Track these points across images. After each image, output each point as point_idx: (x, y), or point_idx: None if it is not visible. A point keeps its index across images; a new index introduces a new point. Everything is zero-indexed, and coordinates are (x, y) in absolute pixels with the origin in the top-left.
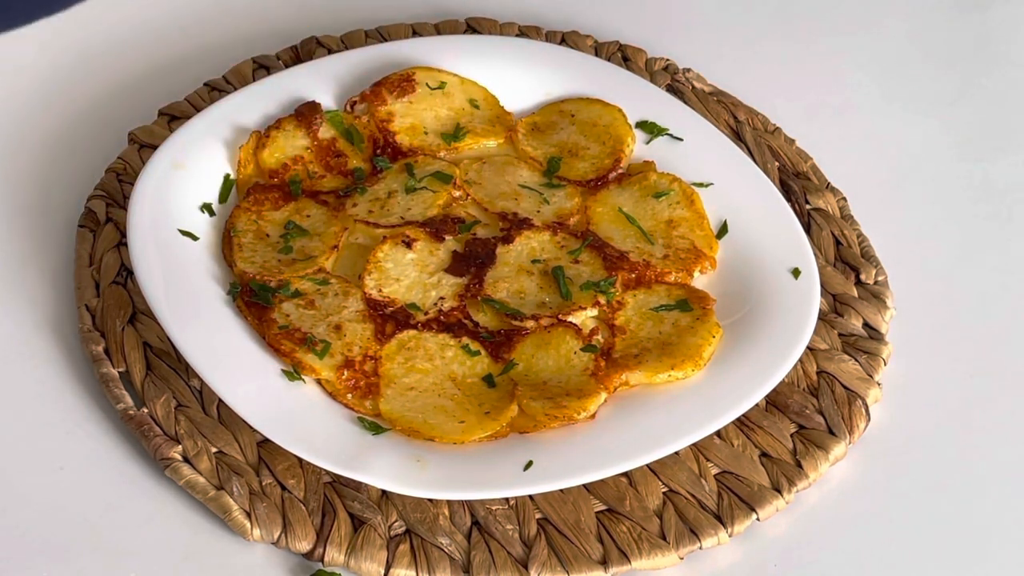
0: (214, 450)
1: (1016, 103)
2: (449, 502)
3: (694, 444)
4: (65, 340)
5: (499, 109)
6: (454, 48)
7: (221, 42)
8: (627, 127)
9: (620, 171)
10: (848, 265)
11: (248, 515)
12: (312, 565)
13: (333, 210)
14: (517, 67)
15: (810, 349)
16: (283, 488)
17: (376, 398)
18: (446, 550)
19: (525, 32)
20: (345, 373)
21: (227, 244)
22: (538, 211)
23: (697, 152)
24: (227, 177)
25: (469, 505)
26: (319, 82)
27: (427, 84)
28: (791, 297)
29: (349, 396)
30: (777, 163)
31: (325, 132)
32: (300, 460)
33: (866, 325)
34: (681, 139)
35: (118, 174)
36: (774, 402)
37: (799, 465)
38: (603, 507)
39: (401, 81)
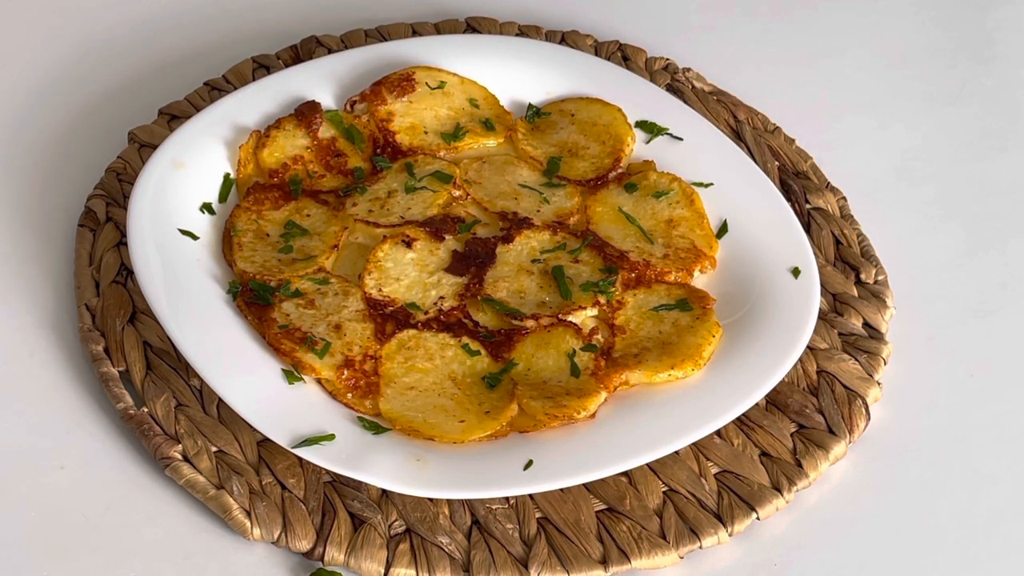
0: (214, 449)
1: (1016, 103)
2: (449, 501)
3: (694, 443)
4: (65, 339)
5: (499, 108)
6: (454, 48)
7: (221, 41)
8: (627, 126)
9: (620, 170)
10: (848, 264)
11: (248, 514)
12: (312, 564)
13: (333, 209)
14: (517, 66)
15: (810, 348)
16: (283, 487)
17: (376, 397)
18: (446, 549)
19: (525, 32)
20: (345, 372)
21: (227, 244)
22: (538, 210)
23: (697, 152)
24: (227, 176)
25: (469, 504)
26: (319, 81)
27: (427, 84)
28: (791, 296)
29: (349, 395)
30: (777, 162)
31: (325, 131)
32: (300, 459)
33: (866, 324)
34: (681, 139)
35: (118, 173)
36: (774, 401)
37: (799, 464)
38: (603, 506)
39: (401, 81)
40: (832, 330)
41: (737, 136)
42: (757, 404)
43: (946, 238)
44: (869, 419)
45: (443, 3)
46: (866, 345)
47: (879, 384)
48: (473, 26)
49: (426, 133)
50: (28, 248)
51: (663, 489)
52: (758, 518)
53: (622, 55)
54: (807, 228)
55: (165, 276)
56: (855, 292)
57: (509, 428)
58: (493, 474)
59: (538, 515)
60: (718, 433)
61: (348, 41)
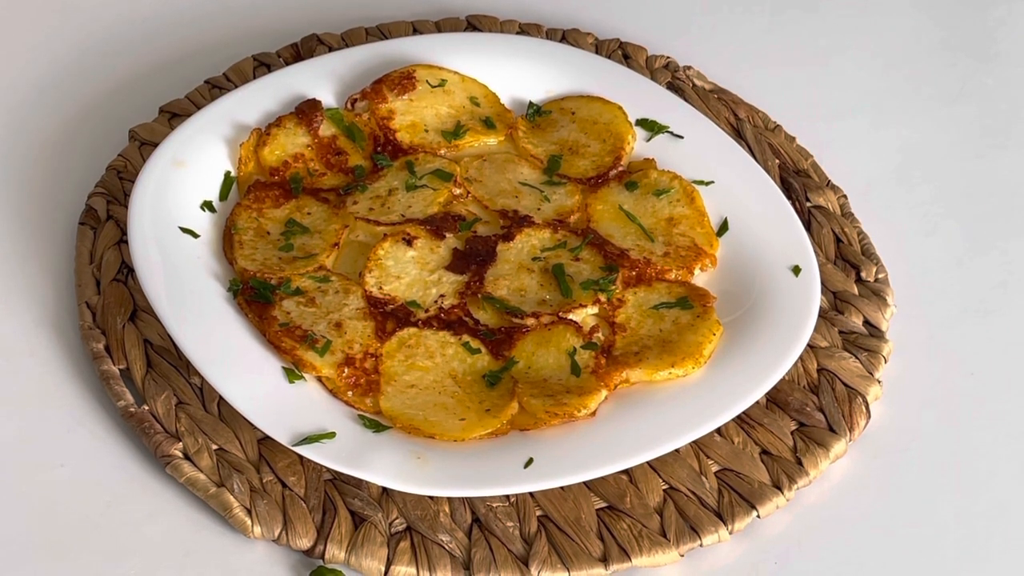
0: (215, 447)
1: (1016, 101)
2: (450, 499)
3: (695, 441)
4: (66, 337)
5: (499, 107)
6: (455, 46)
7: (222, 39)
8: (627, 125)
9: (620, 168)
10: (848, 263)
11: (249, 512)
12: (313, 562)
13: (334, 208)
14: (518, 65)
15: (810, 347)
16: (284, 485)
17: (376, 396)
18: (447, 547)
19: (526, 30)
20: (346, 371)
21: (228, 242)
22: (539, 209)
23: (698, 150)
24: (228, 175)
25: (470, 502)
26: (320, 79)
27: (428, 82)
28: (791, 295)
29: (349, 394)
30: (778, 160)
31: (326, 130)
32: (300, 457)
33: (866, 323)
34: (682, 137)
35: (119, 171)
36: (775, 399)
37: (799, 462)
38: (604, 504)
39: (402, 79)
40: (832, 328)
41: (737, 134)
42: (757, 402)
43: (946, 237)
44: (869, 417)
45: (444, 1)
46: (866, 343)
47: (879, 382)
48: (474, 24)
49: (427, 131)
50: (29, 246)
51: (663, 487)
52: (758, 516)
53: (623, 53)
54: (807, 226)
55: (166, 274)
56: (855, 290)
57: (509, 426)
58: (493, 472)
59: (539, 513)
60: (718, 431)
61: (349, 39)
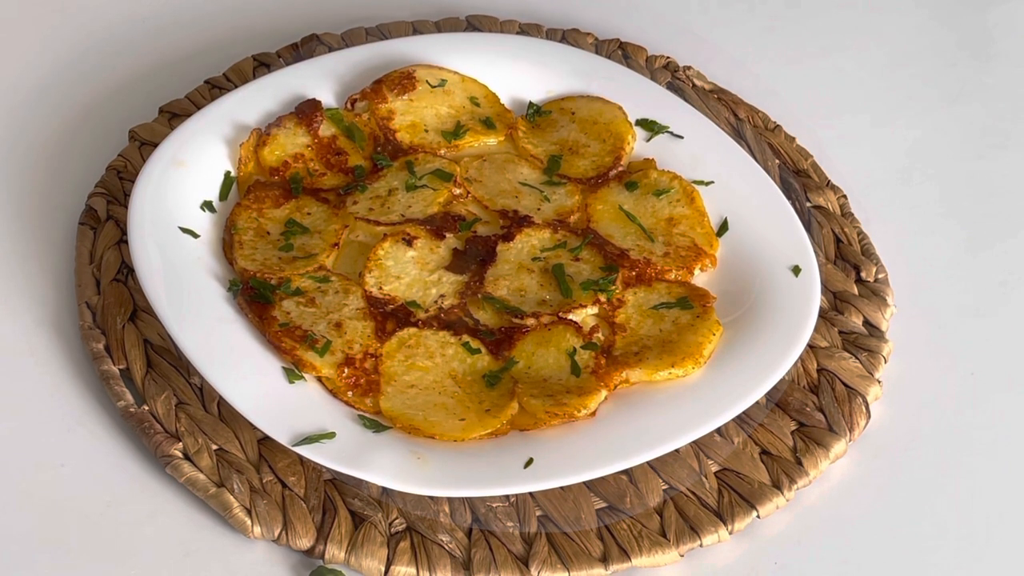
0: (215, 447)
1: (1016, 101)
2: (449, 499)
3: (695, 442)
4: (66, 337)
5: (499, 107)
6: (455, 46)
7: (222, 39)
8: (627, 125)
9: (620, 169)
10: (848, 263)
11: (249, 512)
12: (313, 562)
13: (334, 208)
14: (518, 64)
15: (810, 347)
16: (284, 485)
17: (376, 396)
18: (447, 547)
19: (526, 30)
20: (345, 371)
21: (228, 242)
22: (539, 209)
23: (697, 150)
24: (228, 175)
25: (470, 502)
26: (320, 80)
27: (427, 82)
28: (791, 295)
29: (349, 394)
30: (777, 160)
31: (326, 130)
32: (300, 457)
33: (866, 323)
34: (681, 137)
35: (119, 171)
36: (775, 399)
37: (799, 463)
38: (603, 504)
39: (402, 79)
40: (832, 328)
41: (737, 134)
42: (757, 402)
43: (946, 236)
44: (869, 417)
45: (444, 1)
46: (866, 343)
47: (879, 382)
48: (474, 24)
49: (427, 131)
50: (29, 246)
51: (663, 487)
52: (758, 516)
53: (623, 53)
54: (807, 226)
55: (166, 274)
56: (855, 290)
57: (509, 426)
58: (493, 472)
59: (538, 513)
60: (718, 431)
61: (349, 39)
